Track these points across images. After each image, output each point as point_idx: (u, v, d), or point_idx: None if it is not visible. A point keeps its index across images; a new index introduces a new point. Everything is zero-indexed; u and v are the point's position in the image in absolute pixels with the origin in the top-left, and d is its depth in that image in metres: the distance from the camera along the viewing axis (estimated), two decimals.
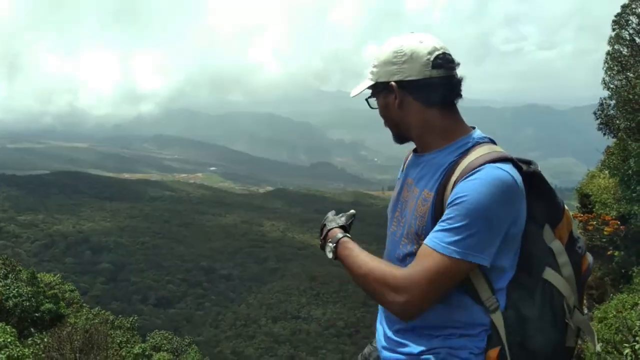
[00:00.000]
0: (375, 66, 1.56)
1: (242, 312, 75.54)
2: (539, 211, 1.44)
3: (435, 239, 1.35)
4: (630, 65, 9.85)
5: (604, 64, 10.39)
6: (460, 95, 1.53)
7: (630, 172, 8.61)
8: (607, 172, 9.42)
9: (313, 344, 67.35)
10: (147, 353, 5.93)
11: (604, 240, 7.39)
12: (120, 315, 9.14)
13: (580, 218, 7.91)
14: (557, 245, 1.48)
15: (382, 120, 1.65)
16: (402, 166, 1.85)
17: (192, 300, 77.36)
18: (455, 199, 1.35)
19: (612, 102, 10.54)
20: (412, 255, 1.47)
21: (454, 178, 1.40)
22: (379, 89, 1.57)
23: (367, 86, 1.60)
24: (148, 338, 8.31)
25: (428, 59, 1.46)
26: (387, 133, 1.71)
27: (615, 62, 10.05)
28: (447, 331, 1.45)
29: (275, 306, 77.57)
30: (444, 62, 1.47)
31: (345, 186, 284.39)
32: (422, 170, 1.56)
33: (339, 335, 70.04)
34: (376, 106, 1.63)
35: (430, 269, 1.34)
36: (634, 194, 8.35)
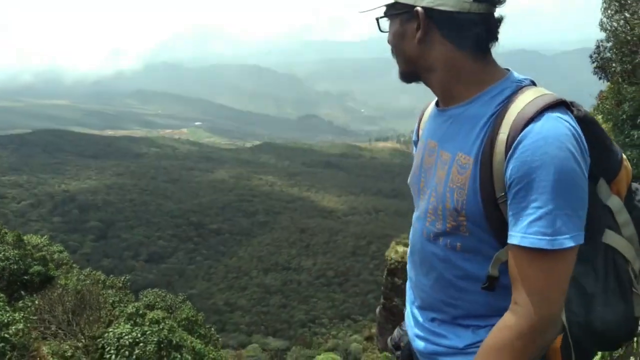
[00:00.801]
0: None
1: (233, 265, 76.69)
2: (592, 163, 1.16)
3: (532, 235, 1.05)
4: (628, 5, 9.50)
5: (602, 4, 9.99)
6: (496, 39, 1.24)
7: (624, 116, 8.49)
8: (600, 117, 9.29)
9: (304, 293, 69.02)
10: (140, 312, 5.86)
11: None
12: (112, 275, 9.04)
13: None
14: (615, 202, 1.24)
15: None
16: (416, 125, 1.62)
17: (184, 255, 78.16)
18: (527, 171, 1.06)
19: (609, 45, 10.18)
20: (444, 235, 1.25)
21: (502, 136, 1.12)
22: (397, 10, 1.26)
23: (383, 2, 1.27)
24: (141, 296, 8.26)
25: None
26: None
27: (613, 1, 9.67)
28: (495, 320, 1.18)
29: (265, 258, 78.79)
30: None
31: (333, 138, 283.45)
32: (450, 129, 1.29)
33: (329, 284, 71.75)
34: (387, 30, 1.32)
35: (549, 276, 1.06)
36: (627, 139, 8.26)
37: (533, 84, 1.25)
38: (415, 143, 1.60)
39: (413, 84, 1.34)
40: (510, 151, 1.09)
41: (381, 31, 1.34)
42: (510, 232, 1.09)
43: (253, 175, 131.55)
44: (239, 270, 75.00)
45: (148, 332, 5.51)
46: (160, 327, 5.77)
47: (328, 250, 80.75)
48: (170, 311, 7.94)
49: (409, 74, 1.34)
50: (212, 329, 8.51)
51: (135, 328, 5.50)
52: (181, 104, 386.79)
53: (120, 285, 7.67)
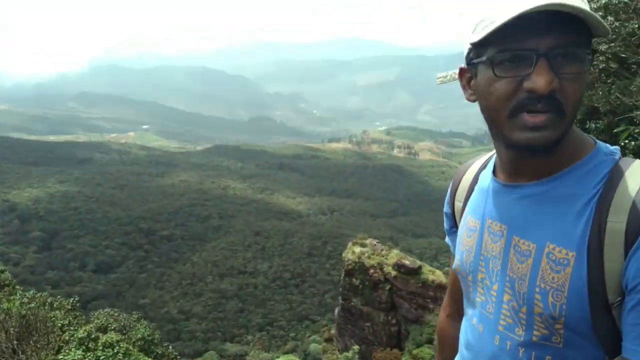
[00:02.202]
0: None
1: (187, 272, 75.01)
2: None
3: None
4: None
5: None
6: None
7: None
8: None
9: (261, 297, 68.53)
10: (92, 336, 5.50)
11: None
12: (59, 297, 8.52)
13: None
14: None
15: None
16: (449, 195, 1.38)
17: (134, 264, 75.66)
18: None
19: None
20: (528, 346, 1.00)
21: (616, 225, 0.89)
22: (588, 49, 0.92)
23: (606, 34, 0.90)
24: (92, 318, 7.80)
25: None
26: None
27: None
28: None
29: (220, 263, 77.60)
30: None
31: (286, 140, 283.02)
32: (529, 211, 1.02)
33: (286, 286, 71.57)
34: (579, 68, 0.91)
35: None
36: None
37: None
38: (448, 215, 1.39)
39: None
40: (634, 247, 0.86)
41: (556, 72, 0.89)
42: (627, 344, 0.88)
43: (205, 179, 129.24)
44: (193, 277, 73.43)
45: (102, 358, 5.19)
46: (115, 351, 5.46)
47: (284, 252, 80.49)
48: (124, 332, 7.54)
49: (563, 136, 0.95)
50: (170, 347, 8.17)
51: (88, 354, 5.16)
52: (127, 107, 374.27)
53: (69, 307, 7.20)
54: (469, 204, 1.24)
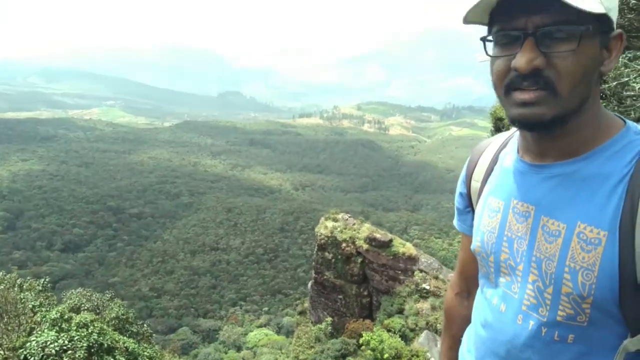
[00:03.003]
0: None
1: (158, 249, 74.33)
2: None
3: None
4: None
5: None
6: None
7: None
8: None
9: (234, 272, 68.73)
10: (65, 316, 5.42)
11: None
12: (29, 277, 8.30)
13: None
14: None
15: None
16: (464, 172, 1.36)
17: (103, 242, 74.41)
18: None
19: None
20: (551, 326, 1.01)
21: None
22: (601, 27, 0.93)
23: (599, 10, 0.88)
24: (64, 298, 7.66)
25: None
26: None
27: None
28: None
29: (192, 240, 77.17)
30: None
31: (256, 115, 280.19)
32: (558, 191, 1.01)
33: (259, 261, 71.89)
34: (562, 50, 0.91)
35: None
36: None
37: None
38: (463, 195, 1.36)
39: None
40: None
41: (544, 51, 0.92)
42: None
43: (174, 156, 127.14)
44: (164, 254, 72.84)
45: (76, 338, 5.12)
46: (89, 330, 5.39)
47: (256, 228, 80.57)
48: (98, 312, 7.46)
49: (570, 116, 0.97)
50: (145, 325, 8.14)
51: (62, 334, 5.09)
52: (91, 82, 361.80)
53: (40, 288, 7.03)
54: (489, 184, 1.22)
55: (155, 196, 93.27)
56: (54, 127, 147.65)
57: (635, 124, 1.01)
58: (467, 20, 0.97)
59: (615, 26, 0.93)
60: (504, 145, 1.23)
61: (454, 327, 1.53)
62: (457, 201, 1.40)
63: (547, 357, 1.02)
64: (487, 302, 1.18)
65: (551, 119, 0.94)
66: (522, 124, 0.96)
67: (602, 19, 0.91)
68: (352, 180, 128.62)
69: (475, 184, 1.28)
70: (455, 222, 1.46)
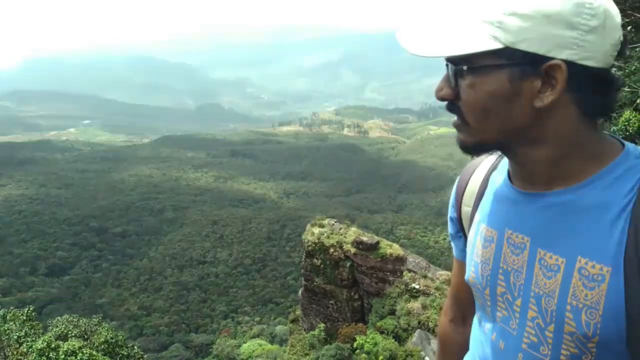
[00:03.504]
0: (515, 14, 0.83)
1: (144, 267, 73.43)
2: None
3: None
4: None
5: None
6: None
7: None
8: None
9: (223, 285, 68.26)
10: (52, 345, 5.30)
11: None
12: (12, 307, 8.10)
13: None
14: None
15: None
16: (452, 198, 1.27)
17: (87, 264, 73.24)
18: None
19: None
20: None
21: None
22: (506, 59, 0.86)
23: (480, 48, 0.85)
24: (51, 327, 7.50)
25: (619, 38, 0.86)
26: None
27: None
28: None
29: (179, 255, 76.43)
30: (624, 48, 0.87)
31: (236, 126, 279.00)
32: (555, 222, 0.93)
33: (248, 272, 71.51)
34: (454, 85, 0.92)
35: None
36: None
37: None
38: (453, 220, 1.27)
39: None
40: None
41: (452, 85, 0.92)
42: None
43: (155, 171, 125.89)
44: (151, 271, 71.99)
45: None
46: (78, 358, 5.30)
47: (243, 239, 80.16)
48: (86, 337, 7.31)
49: (493, 146, 0.95)
50: (135, 347, 8.01)
51: None
52: (66, 102, 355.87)
53: (24, 317, 6.85)
54: (481, 210, 1.13)
55: (139, 214, 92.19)
56: (31, 150, 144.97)
57: (634, 146, 0.93)
58: None
59: (555, 56, 0.82)
60: (494, 167, 1.15)
61: (448, 356, 1.46)
62: (449, 226, 1.30)
63: None
64: (486, 337, 1.11)
65: (472, 146, 0.93)
66: (459, 147, 0.96)
67: (511, 53, 0.84)
68: (336, 184, 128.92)
69: (467, 209, 1.20)
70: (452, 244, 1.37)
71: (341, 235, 24.61)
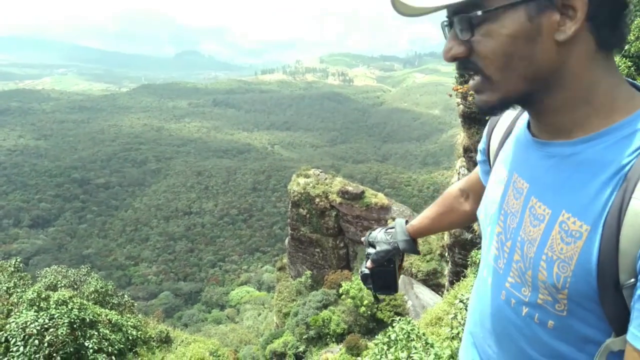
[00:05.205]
0: None
1: (130, 218, 73.50)
2: None
3: None
4: None
5: None
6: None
7: None
8: None
9: (210, 235, 68.92)
10: (43, 295, 5.33)
11: None
12: None
13: (460, 89, 8.33)
14: None
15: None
16: (484, 138, 1.26)
17: (72, 215, 72.98)
18: None
19: None
20: (532, 307, 0.97)
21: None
22: (499, 6, 0.81)
23: None
24: (40, 278, 7.52)
25: None
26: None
27: None
28: None
29: (164, 206, 76.48)
30: None
31: (217, 74, 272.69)
32: (552, 172, 0.93)
33: (234, 222, 72.13)
34: (468, 39, 0.85)
35: None
36: None
37: None
38: (483, 152, 1.27)
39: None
40: None
41: (463, 39, 0.85)
42: (632, 329, 0.81)
43: (136, 121, 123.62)
44: (137, 222, 72.18)
45: (56, 315, 5.06)
46: (69, 307, 5.34)
47: (228, 190, 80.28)
48: (75, 287, 7.37)
49: (519, 98, 0.89)
50: (126, 295, 8.13)
51: (41, 313, 5.02)
52: (39, 50, 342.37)
53: (13, 268, 6.84)
54: (503, 150, 1.14)
55: (121, 164, 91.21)
56: (6, 100, 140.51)
57: None
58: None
59: None
60: (522, 112, 1.13)
61: (440, 206, 1.52)
62: (478, 154, 1.31)
63: (529, 338, 0.99)
64: (480, 274, 1.17)
65: (498, 104, 0.88)
66: (479, 111, 0.92)
67: None
68: (321, 134, 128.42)
69: (494, 144, 1.20)
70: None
71: (326, 185, 24.73)
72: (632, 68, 5.96)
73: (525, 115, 1.08)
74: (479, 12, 0.81)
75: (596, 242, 0.83)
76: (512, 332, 1.03)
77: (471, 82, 0.89)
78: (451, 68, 11.44)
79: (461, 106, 9.22)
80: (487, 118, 1.17)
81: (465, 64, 0.87)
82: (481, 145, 1.28)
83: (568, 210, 0.88)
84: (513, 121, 1.14)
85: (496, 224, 1.07)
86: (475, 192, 1.40)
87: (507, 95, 0.87)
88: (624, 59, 5.97)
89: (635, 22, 5.71)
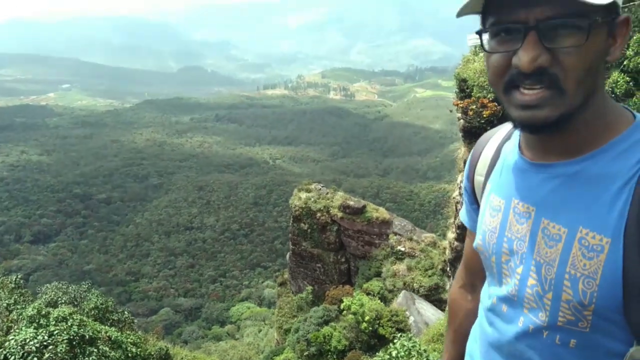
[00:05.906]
0: None
1: (131, 233, 73.34)
2: None
3: None
4: None
5: None
6: None
7: None
8: (482, 55, 9.79)
9: (211, 250, 68.64)
10: (43, 312, 5.31)
11: (483, 122, 7.89)
12: None
13: (460, 104, 8.36)
14: None
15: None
16: (466, 169, 1.28)
17: (73, 230, 72.86)
18: None
19: None
20: (552, 330, 0.96)
21: None
22: (607, 14, 0.84)
23: (603, 0, 0.80)
24: (40, 294, 7.50)
25: None
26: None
27: None
28: None
29: (165, 221, 76.34)
30: None
31: (220, 89, 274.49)
32: (560, 192, 0.94)
33: (235, 237, 71.89)
34: (577, 41, 0.82)
35: None
36: None
37: None
38: (468, 190, 1.28)
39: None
40: None
41: (548, 46, 0.83)
42: None
43: (138, 137, 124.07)
44: (138, 238, 71.98)
45: (56, 332, 5.03)
46: (69, 324, 5.31)
47: (229, 204, 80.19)
48: (75, 303, 7.34)
49: (572, 115, 0.88)
50: (126, 312, 8.09)
51: (40, 330, 4.99)
52: (43, 66, 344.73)
53: (13, 285, 6.83)
54: (491, 180, 1.15)
55: (123, 180, 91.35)
56: (9, 116, 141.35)
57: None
58: (462, 13, 0.90)
59: (620, 10, 0.84)
60: (507, 138, 1.15)
61: (457, 321, 1.48)
62: (463, 196, 1.32)
63: (552, 358, 0.98)
64: (490, 302, 1.14)
65: (556, 120, 0.86)
66: (525, 127, 0.89)
67: (610, 6, 0.81)
68: (322, 149, 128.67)
69: (479, 179, 1.21)
70: (461, 216, 1.37)
71: (328, 199, 24.72)
72: (630, 83, 6.00)
73: (512, 143, 1.09)
74: (599, 18, 0.81)
75: (619, 254, 0.84)
76: (531, 357, 1.01)
77: (531, 96, 0.85)
78: (451, 83, 11.49)
79: (462, 121, 9.26)
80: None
81: (541, 75, 0.84)
82: (465, 184, 1.28)
83: (585, 226, 0.88)
84: (497, 151, 1.15)
85: (501, 252, 1.06)
86: (477, 273, 1.36)
87: (570, 111, 0.86)
88: (623, 74, 6.02)
89: (635, 37, 5.78)
